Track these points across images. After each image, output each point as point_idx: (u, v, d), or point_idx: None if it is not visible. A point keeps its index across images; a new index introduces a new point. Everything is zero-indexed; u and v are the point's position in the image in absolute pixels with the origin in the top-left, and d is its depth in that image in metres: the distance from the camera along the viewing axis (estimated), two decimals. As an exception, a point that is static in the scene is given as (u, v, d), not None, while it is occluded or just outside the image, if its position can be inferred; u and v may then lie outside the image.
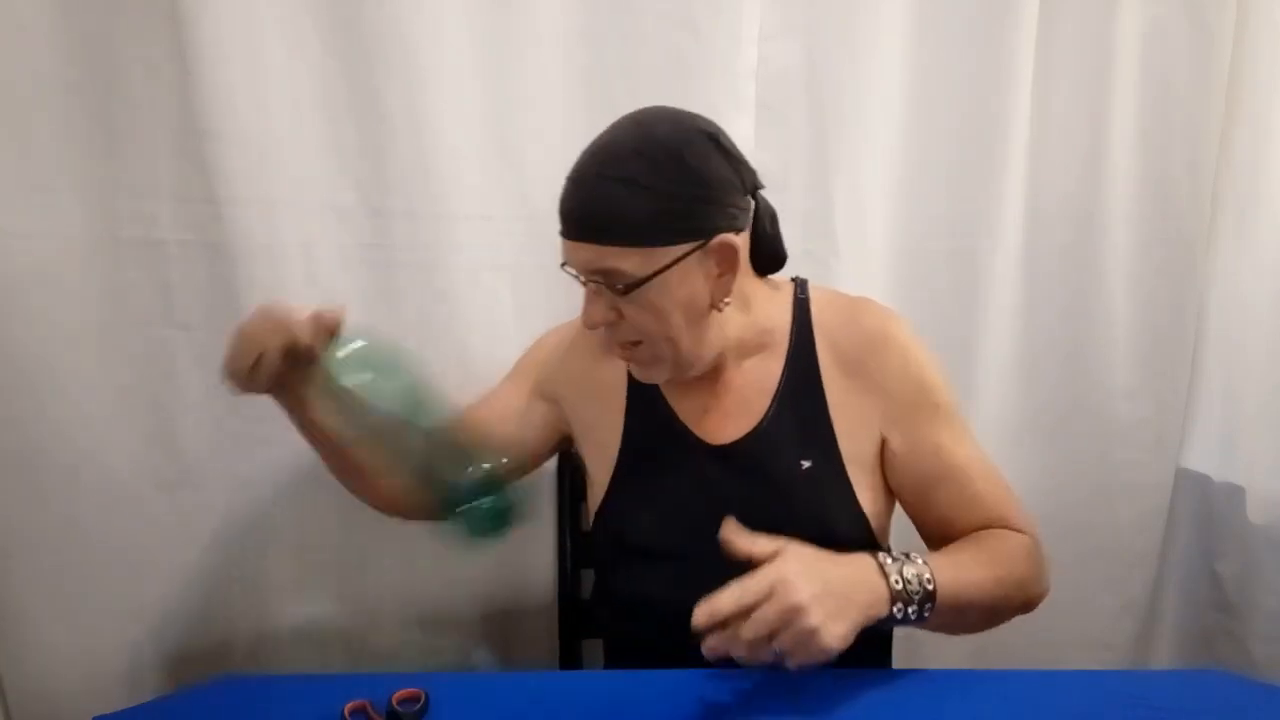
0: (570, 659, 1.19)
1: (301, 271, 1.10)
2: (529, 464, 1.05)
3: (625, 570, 0.96)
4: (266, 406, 1.12)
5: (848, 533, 0.90)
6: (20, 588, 1.08)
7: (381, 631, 1.20)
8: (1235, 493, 1.34)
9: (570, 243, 0.84)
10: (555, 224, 1.21)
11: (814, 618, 0.68)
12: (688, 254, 0.82)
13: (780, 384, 0.92)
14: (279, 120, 1.06)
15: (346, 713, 0.76)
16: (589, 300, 0.86)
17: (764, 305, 0.93)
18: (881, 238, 1.29)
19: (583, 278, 0.85)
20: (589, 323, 0.86)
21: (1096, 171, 1.30)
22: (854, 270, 1.27)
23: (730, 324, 0.89)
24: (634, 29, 1.14)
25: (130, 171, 1.04)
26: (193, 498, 1.13)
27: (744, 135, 1.21)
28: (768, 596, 0.68)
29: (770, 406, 0.92)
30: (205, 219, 1.06)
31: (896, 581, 0.74)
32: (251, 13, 1.03)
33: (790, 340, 0.93)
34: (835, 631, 0.69)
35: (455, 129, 1.11)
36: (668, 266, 0.81)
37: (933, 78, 1.25)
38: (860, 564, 0.75)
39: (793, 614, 0.68)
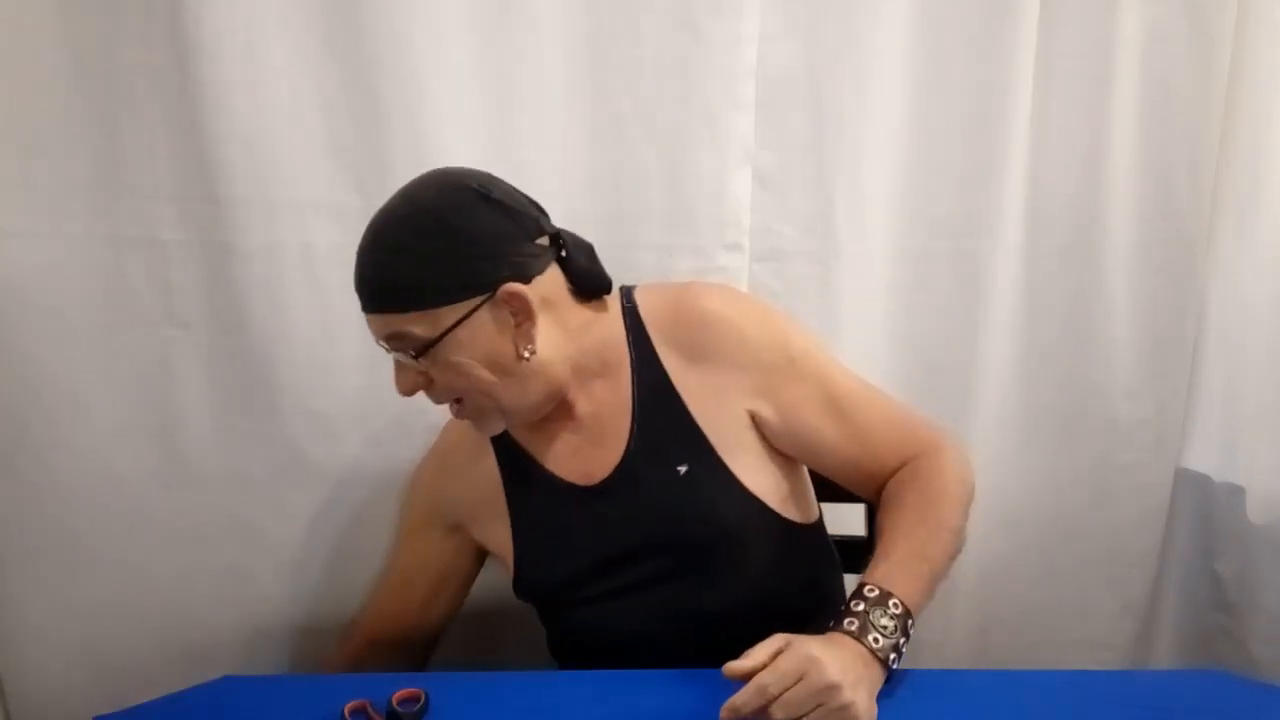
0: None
1: (301, 271, 1.10)
2: (462, 595, 1.07)
3: (562, 617, 0.99)
4: (266, 406, 1.13)
5: (742, 522, 0.91)
6: (20, 588, 1.08)
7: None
8: (1235, 493, 1.34)
9: (366, 315, 0.87)
10: (556, 223, 1.22)
11: (848, 694, 0.70)
12: (473, 310, 0.83)
13: (634, 400, 0.92)
14: (279, 120, 1.06)
15: (346, 713, 0.76)
16: (397, 369, 0.88)
17: (594, 328, 0.92)
18: (881, 238, 1.28)
19: (385, 347, 0.87)
20: (401, 390, 0.88)
21: (1096, 172, 1.30)
22: (854, 271, 1.27)
23: (554, 364, 0.88)
24: (634, 29, 1.14)
25: (130, 171, 1.04)
26: (193, 497, 1.13)
27: (744, 135, 1.21)
28: (799, 678, 0.70)
29: (631, 427, 0.91)
30: (205, 219, 1.06)
31: (875, 640, 0.76)
32: (251, 13, 1.03)
33: (630, 353, 0.92)
34: (864, 705, 0.72)
35: (455, 129, 1.11)
36: (454, 326, 0.83)
37: (933, 78, 1.24)
38: (844, 643, 0.75)
39: (828, 693, 0.70)
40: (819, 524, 1.02)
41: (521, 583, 0.97)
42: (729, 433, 0.91)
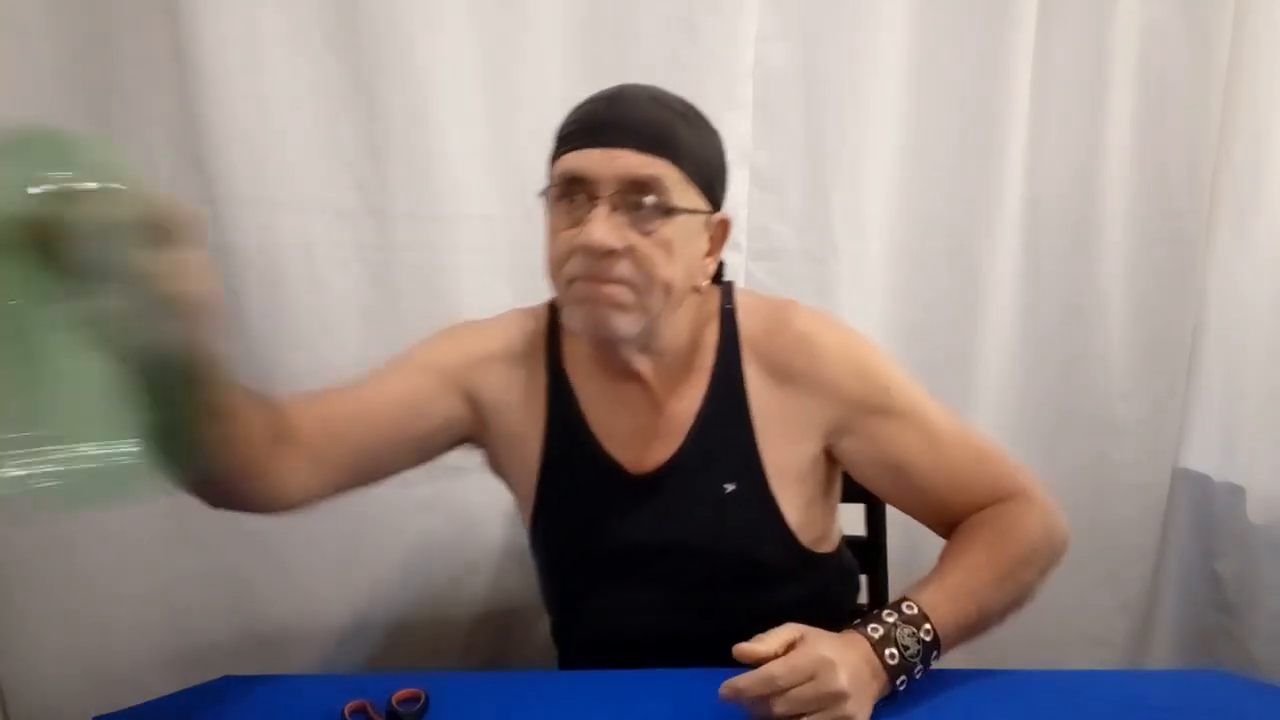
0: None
1: (302, 271, 1.10)
2: (408, 459, 0.90)
3: (570, 601, 0.95)
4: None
5: (774, 553, 0.88)
6: (20, 588, 1.08)
7: (381, 631, 1.20)
8: (1235, 493, 1.34)
9: (603, 150, 0.77)
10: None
11: (851, 705, 0.69)
12: (700, 213, 0.81)
13: (704, 404, 0.87)
14: (279, 120, 1.06)
15: (346, 713, 0.76)
16: (601, 220, 0.76)
17: (700, 307, 0.88)
18: (880, 238, 1.29)
19: (605, 190, 0.77)
20: (609, 239, 0.75)
21: (1095, 171, 1.30)
22: (852, 270, 1.27)
23: (685, 314, 0.85)
24: (633, 29, 1.15)
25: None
26: (191, 501, 1.12)
27: (741, 135, 1.21)
28: (810, 677, 0.69)
29: (692, 428, 0.87)
30: (205, 219, 1.06)
31: (891, 656, 0.74)
32: (251, 12, 1.03)
33: (716, 354, 0.88)
34: (864, 717, 0.71)
35: (455, 129, 1.11)
36: (688, 211, 0.79)
37: (930, 78, 1.25)
38: (860, 647, 0.74)
39: (833, 699, 0.69)
40: (840, 548, 1.00)
41: (538, 537, 0.93)
42: (786, 461, 0.87)
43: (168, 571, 1.13)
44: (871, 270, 1.29)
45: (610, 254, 0.76)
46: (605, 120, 0.79)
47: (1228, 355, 1.38)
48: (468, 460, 1.18)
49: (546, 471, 0.90)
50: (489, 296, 1.16)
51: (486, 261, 1.15)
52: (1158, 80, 1.29)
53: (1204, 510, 1.42)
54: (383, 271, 1.13)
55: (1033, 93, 1.26)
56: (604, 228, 0.76)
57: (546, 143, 1.15)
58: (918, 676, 0.76)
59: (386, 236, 1.12)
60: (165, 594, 1.13)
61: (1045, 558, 0.85)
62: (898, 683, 0.75)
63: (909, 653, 0.74)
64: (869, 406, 0.87)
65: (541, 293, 1.18)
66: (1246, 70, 1.30)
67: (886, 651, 0.74)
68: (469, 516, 1.20)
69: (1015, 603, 0.83)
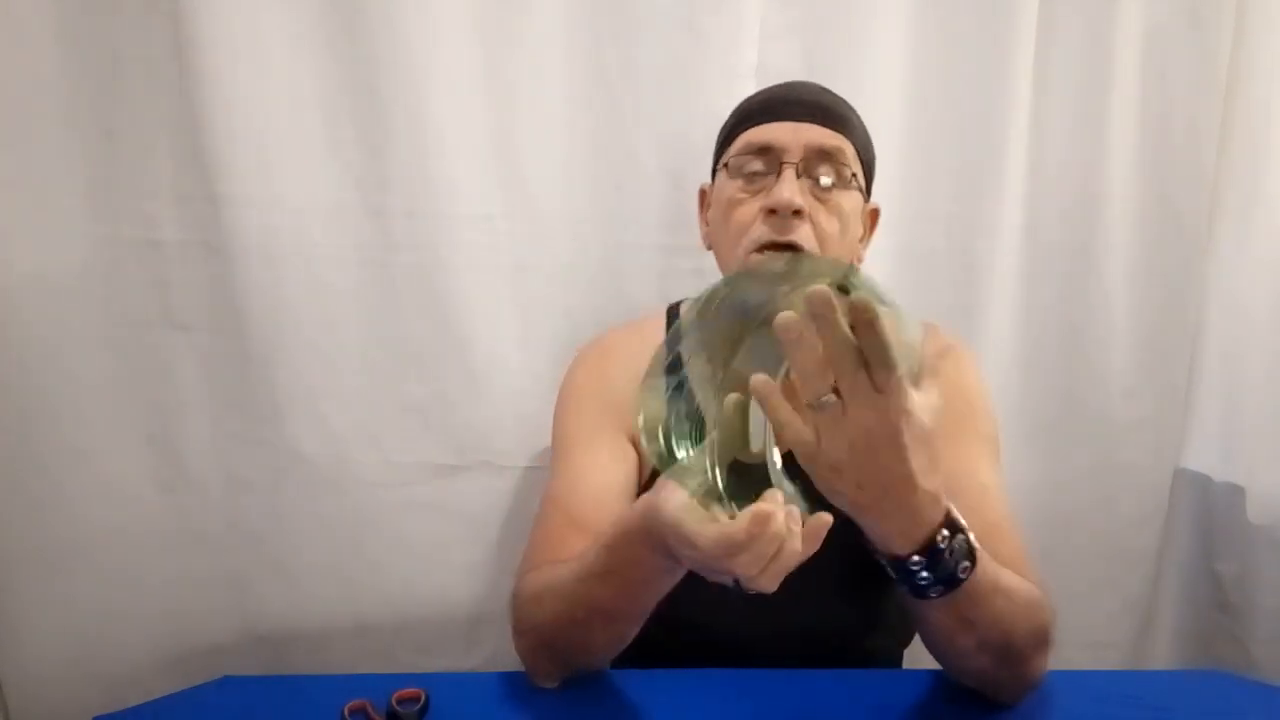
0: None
1: (302, 271, 1.10)
2: None
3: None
4: (266, 408, 1.13)
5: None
6: (20, 588, 1.08)
7: (381, 631, 1.20)
8: (1235, 493, 1.34)
9: (790, 124, 0.88)
10: (557, 224, 1.20)
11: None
12: (860, 193, 0.91)
13: None
14: (279, 120, 1.06)
15: (346, 713, 0.76)
16: (789, 181, 0.86)
17: None
18: (881, 238, 1.28)
19: (792, 158, 0.87)
20: (795, 198, 0.85)
21: (1096, 172, 1.30)
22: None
23: None
24: (634, 29, 1.14)
25: (130, 171, 1.04)
26: (191, 498, 1.12)
27: (743, 135, 1.20)
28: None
29: None
30: (205, 219, 1.06)
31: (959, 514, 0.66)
32: (251, 12, 1.03)
33: None
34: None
35: (455, 129, 1.11)
36: (862, 190, 0.91)
37: (933, 78, 1.24)
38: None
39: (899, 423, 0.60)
40: None
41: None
42: None
43: (168, 572, 1.13)
44: (872, 270, 1.28)
45: (796, 214, 0.85)
46: (789, 99, 0.91)
47: (1227, 355, 1.37)
48: (467, 459, 1.19)
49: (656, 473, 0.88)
50: (489, 297, 1.16)
51: (486, 261, 1.15)
52: (1159, 80, 1.29)
53: (1204, 510, 1.42)
54: (383, 271, 1.13)
55: (1034, 92, 1.26)
56: (792, 189, 0.85)
57: (547, 143, 1.15)
58: (950, 562, 0.66)
59: (386, 236, 1.12)
60: (165, 594, 1.13)
61: (1048, 643, 0.80)
62: (939, 536, 0.65)
63: (959, 537, 0.67)
64: (960, 432, 0.85)
65: (539, 293, 1.18)
66: (1247, 72, 1.30)
67: (953, 509, 0.66)
68: (469, 516, 1.20)
69: (1006, 641, 0.75)
